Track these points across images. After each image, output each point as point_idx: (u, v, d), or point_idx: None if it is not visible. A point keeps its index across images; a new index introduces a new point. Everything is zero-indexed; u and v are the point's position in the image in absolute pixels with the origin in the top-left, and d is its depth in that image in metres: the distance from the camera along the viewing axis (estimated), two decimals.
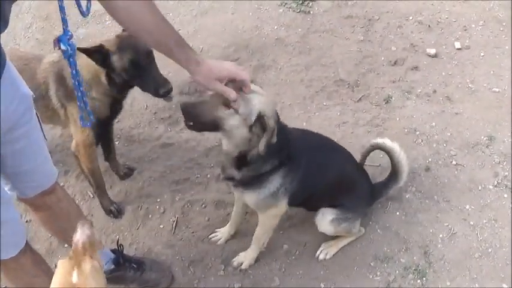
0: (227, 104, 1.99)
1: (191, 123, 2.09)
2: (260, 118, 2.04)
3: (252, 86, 2.10)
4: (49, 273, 2.19)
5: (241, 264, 2.73)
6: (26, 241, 1.96)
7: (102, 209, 2.97)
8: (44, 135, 2.01)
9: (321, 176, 2.50)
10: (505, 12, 3.96)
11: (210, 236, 2.88)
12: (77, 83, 2.06)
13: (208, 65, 1.81)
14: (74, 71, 2.02)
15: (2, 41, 1.57)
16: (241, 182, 2.34)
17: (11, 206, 1.82)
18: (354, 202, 2.67)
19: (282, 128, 2.25)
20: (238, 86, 1.94)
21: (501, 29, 3.84)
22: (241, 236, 2.85)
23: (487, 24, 3.90)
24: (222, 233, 2.87)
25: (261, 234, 2.64)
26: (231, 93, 1.87)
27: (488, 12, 3.98)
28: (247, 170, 2.26)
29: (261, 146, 2.07)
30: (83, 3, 1.93)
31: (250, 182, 2.33)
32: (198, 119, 2.06)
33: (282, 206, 2.46)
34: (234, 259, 2.75)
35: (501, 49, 3.70)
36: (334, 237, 2.75)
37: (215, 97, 2.03)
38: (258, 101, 2.05)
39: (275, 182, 2.32)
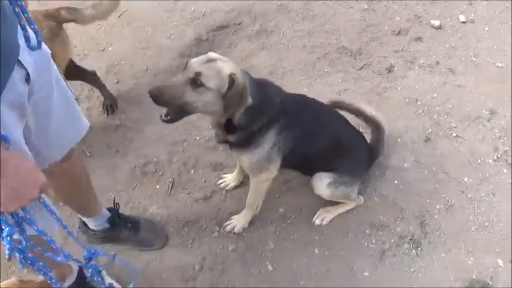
0: (195, 82, 1.86)
1: (168, 118, 1.99)
2: (231, 84, 1.90)
3: (212, 54, 2.00)
4: None
5: (234, 228, 2.58)
6: None
7: (99, 168, 2.81)
8: (72, 91, 1.79)
9: (315, 137, 2.33)
10: None
11: (218, 182, 2.74)
12: None
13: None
14: None
15: None
16: (237, 144, 2.19)
17: None
18: (351, 165, 2.49)
19: (265, 87, 2.14)
20: None
21: (506, 5, 3.57)
22: (238, 199, 2.69)
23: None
24: (230, 179, 2.73)
25: (254, 198, 2.49)
26: None
27: None
28: (239, 133, 2.11)
29: (239, 110, 1.99)
30: None
31: (245, 143, 2.17)
32: (170, 104, 1.92)
33: (274, 168, 2.30)
34: (227, 223, 2.60)
35: (506, 25, 3.45)
36: (331, 203, 2.59)
37: (181, 77, 1.89)
38: (226, 66, 1.93)
39: (269, 140, 2.17)
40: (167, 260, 2.50)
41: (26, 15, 1.32)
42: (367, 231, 2.57)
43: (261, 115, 2.09)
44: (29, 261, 1.40)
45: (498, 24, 3.47)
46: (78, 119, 1.87)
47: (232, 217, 2.61)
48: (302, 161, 2.43)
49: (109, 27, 3.51)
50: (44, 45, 1.54)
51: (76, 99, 1.84)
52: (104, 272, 1.86)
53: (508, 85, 3.12)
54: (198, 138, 2.92)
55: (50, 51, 1.62)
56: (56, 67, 1.67)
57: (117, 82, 3.20)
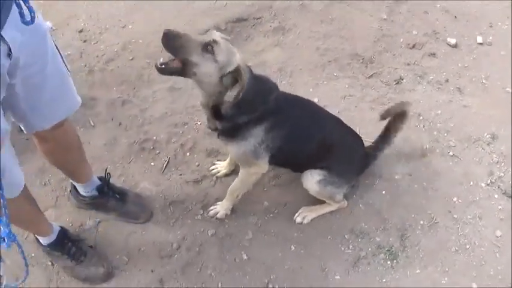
0: (207, 47, 1.92)
1: (162, 67, 2.01)
2: (237, 71, 1.96)
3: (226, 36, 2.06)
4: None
5: (217, 213, 2.61)
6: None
7: (100, 139, 2.89)
8: (67, 68, 1.90)
9: (306, 138, 2.36)
10: None
11: (210, 169, 2.78)
12: None
13: None
14: None
15: None
16: (224, 133, 2.23)
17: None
18: (343, 168, 2.49)
19: (262, 83, 2.18)
20: None
21: None
22: (226, 186, 2.68)
23: None
24: (222, 166, 2.77)
25: (237, 187, 2.52)
26: None
27: None
28: (225, 121, 2.16)
29: (230, 97, 1.99)
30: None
31: (232, 134, 2.22)
32: (175, 52, 1.96)
33: (263, 164, 2.34)
34: (212, 207, 2.64)
35: None
36: (314, 203, 2.60)
37: (199, 37, 1.96)
38: (240, 56, 2.00)
39: (256, 136, 2.21)
40: (148, 235, 2.56)
41: None
42: (346, 236, 2.57)
43: (250, 110, 2.13)
44: None
45: None
46: (70, 96, 1.98)
47: (217, 203, 2.65)
48: (291, 159, 2.45)
49: (133, 5, 3.59)
50: (40, 22, 1.66)
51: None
52: (2, 264, 1.85)
53: None
54: (199, 123, 2.96)
55: (47, 28, 1.70)
56: (53, 43, 1.78)
57: (132, 59, 3.27)
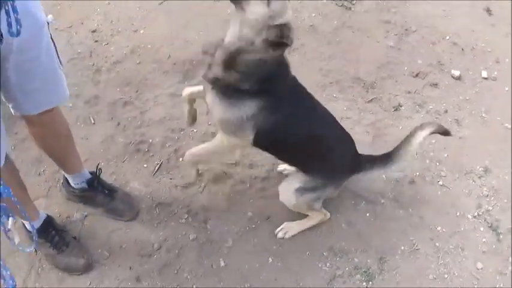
0: None
1: None
2: (285, 27, 1.88)
3: None
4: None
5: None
6: None
7: (98, 136, 2.97)
8: (60, 61, 2.00)
9: (297, 128, 2.28)
10: None
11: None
12: None
13: None
14: None
15: None
16: (218, 87, 2.11)
17: None
18: (328, 168, 2.42)
19: (281, 63, 2.12)
20: None
21: None
22: (214, 194, 2.77)
23: None
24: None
25: (204, 151, 2.39)
26: None
27: None
28: (230, 74, 2.05)
29: (260, 48, 1.92)
30: None
31: (226, 93, 2.11)
32: None
33: (245, 139, 2.22)
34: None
35: None
36: (298, 218, 2.62)
37: None
38: (290, 13, 1.92)
39: (247, 108, 2.11)
40: (131, 233, 2.61)
41: (11, 2, 1.56)
42: (325, 253, 2.58)
43: (257, 79, 2.05)
44: None
45: None
46: (59, 88, 2.08)
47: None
48: (275, 146, 2.36)
49: (147, 11, 3.70)
50: (40, 15, 1.78)
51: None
52: (11, 220, 1.93)
53: (509, 146, 3.07)
54: (195, 130, 3.01)
55: (46, 21, 1.81)
56: (49, 35, 1.89)
57: (139, 63, 3.36)
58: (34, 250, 2.47)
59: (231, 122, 2.16)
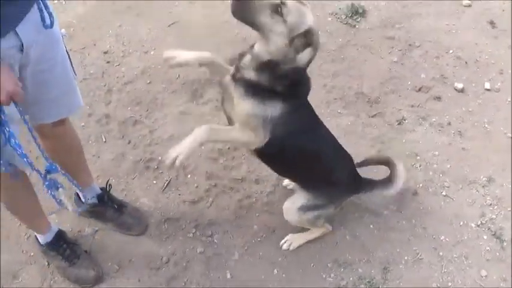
0: (276, 9, 1.90)
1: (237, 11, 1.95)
2: (308, 33, 1.94)
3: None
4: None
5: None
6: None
7: (109, 154, 3.08)
8: (74, 72, 2.14)
9: (304, 142, 2.31)
10: None
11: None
12: None
13: None
14: None
15: None
16: (246, 85, 2.13)
17: None
18: (330, 188, 2.49)
19: (306, 75, 2.19)
20: None
21: None
22: (221, 209, 2.86)
23: None
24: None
25: (225, 133, 2.30)
26: None
27: None
28: (265, 75, 2.08)
29: (302, 60, 1.99)
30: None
31: (254, 91, 2.13)
32: (245, 12, 1.93)
33: (260, 137, 2.21)
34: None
35: None
36: (302, 231, 2.69)
37: (266, 1, 1.90)
38: (311, 18, 1.97)
39: (274, 109, 2.13)
40: (140, 247, 2.70)
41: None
42: (329, 264, 2.64)
43: (287, 84, 2.09)
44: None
45: None
46: (73, 98, 2.19)
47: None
48: (280, 156, 2.37)
49: (157, 33, 3.83)
50: (56, 27, 1.90)
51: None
52: (61, 190, 2.07)
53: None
54: (203, 148, 3.09)
55: (61, 34, 1.95)
56: (64, 48, 2.02)
57: (149, 83, 3.48)
58: (47, 263, 2.61)
59: (258, 118, 2.16)
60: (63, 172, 2.02)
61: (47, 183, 2.00)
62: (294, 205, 2.52)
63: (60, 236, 2.58)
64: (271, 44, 1.98)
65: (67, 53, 2.06)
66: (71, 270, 2.54)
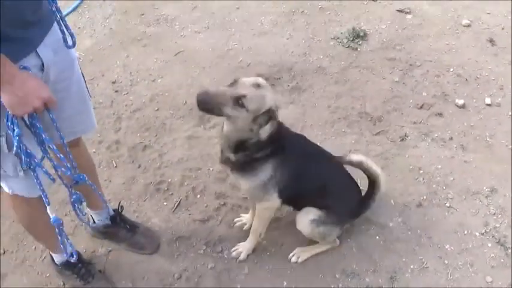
0: (238, 101, 2.19)
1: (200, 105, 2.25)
2: (269, 111, 2.26)
3: (260, 80, 2.31)
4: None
5: (240, 254, 2.92)
6: None
7: (120, 178, 3.35)
8: (89, 93, 2.39)
9: (310, 175, 2.65)
10: None
11: (235, 220, 3.11)
12: None
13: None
14: None
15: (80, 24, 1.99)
16: (236, 167, 2.54)
17: None
18: (339, 209, 2.77)
19: (279, 125, 2.45)
20: None
21: None
22: (230, 226, 3.09)
23: None
24: (247, 219, 3.08)
25: (257, 225, 2.83)
26: None
27: None
28: (242, 154, 2.46)
29: (263, 134, 2.31)
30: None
31: (244, 168, 2.53)
32: (211, 110, 2.26)
33: (274, 199, 2.63)
34: (233, 249, 2.96)
35: None
36: (310, 244, 2.91)
37: (229, 92, 2.21)
38: (270, 98, 2.27)
39: (266, 171, 2.51)
40: (153, 265, 2.92)
41: (64, 22, 2.01)
42: (337, 275, 2.84)
43: (266, 145, 2.43)
44: (30, 166, 1.95)
45: None
46: (87, 117, 2.45)
47: (238, 244, 2.97)
48: (295, 197, 2.75)
49: (164, 62, 4.18)
50: (72, 51, 2.16)
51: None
52: (84, 204, 2.30)
53: None
54: (211, 169, 3.38)
55: (76, 56, 2.22)
56: (79, 69, 2.29)
57: (157, 109, 3.80)
58: (63, 283, 2.84)
59: (257, 188, 2.60)
60: (90, 182, 2.24)
61: (74, 196, 2.23)
62: (307, 217, 2.75)
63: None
64: (237, 126, 2.34)
65: (82, 74, 2.32)
66: None
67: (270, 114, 2.28)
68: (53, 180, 2.08)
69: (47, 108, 1.91)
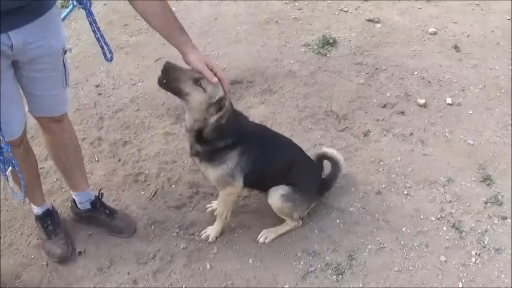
0: (197, 81, 2.50)
1: (164, 81, 2.54)
2: (220, 100, 2.58)
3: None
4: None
5: (209, 236, 3.22)
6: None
7: (101, 170, 3.67)
8: (66, 82, 2.68)
9: (272, 161, 2.99)
10: (507, 82, 4.31)
11: (206, 206, 3.41)
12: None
13: (199, 51, 2.46)
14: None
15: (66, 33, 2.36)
16: (204, 157, 2.86)
17: None
18: (304, 186, 3.10)
19: (237, 115, 2.85)
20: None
21: (498, 94, 4.17)
22: (201, 212, 3.40)
23: (486, 88, 4.25)
24: (217, 205, 3.29)
25: (222, 209, 3.13)
26: (213, 78, 2.43)
27: (492, 80, 4.34)
28: (206, 145, 2.78)
29: (212, 121, 2.61)
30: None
31: (211, 158, 2.84)
32: (172, 81, 2.56)
33: (238, 184, 2.95)
34: (202, 232, 3.26)
35: (491, 111, 4.03)
36: (275, 226, 3.22)
37: (191, 72, 2.52)
38: (222, 89, 2.60)
39: (232, 160, 2.83)
40: (130, 247, 3.21)
41: (103, 40, 2.62)
42: (299, 254, 3.13)
43: (227, 135, 2.76)
44: None
45: (483, 109, 4.06)
46: (58, 101, 2.75)
47: (208, 227, 3.27)
48: (260, 180, 3.08)
49: (145, 67, 4.55)
50: (54, 43, 2.48)
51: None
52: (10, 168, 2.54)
53: (473, 160, 3.64)
54: (185, 161, 3.70)
55: (65, 46, 2.58)
56: (62, 60, 2.58)
57: (137, 110, 4.14)
58: (46, 264, 3.14)
59: (224, 176, 2.90)
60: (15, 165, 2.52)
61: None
62: (278, 192, 3.05)
63: (48, 213, 3.17)
64: (194, 115, 2.64)
65: (64, 64, 2.59)
66: (47, 243, 3.15)
67: (221, 104, 2.58)
68: None
69: None
